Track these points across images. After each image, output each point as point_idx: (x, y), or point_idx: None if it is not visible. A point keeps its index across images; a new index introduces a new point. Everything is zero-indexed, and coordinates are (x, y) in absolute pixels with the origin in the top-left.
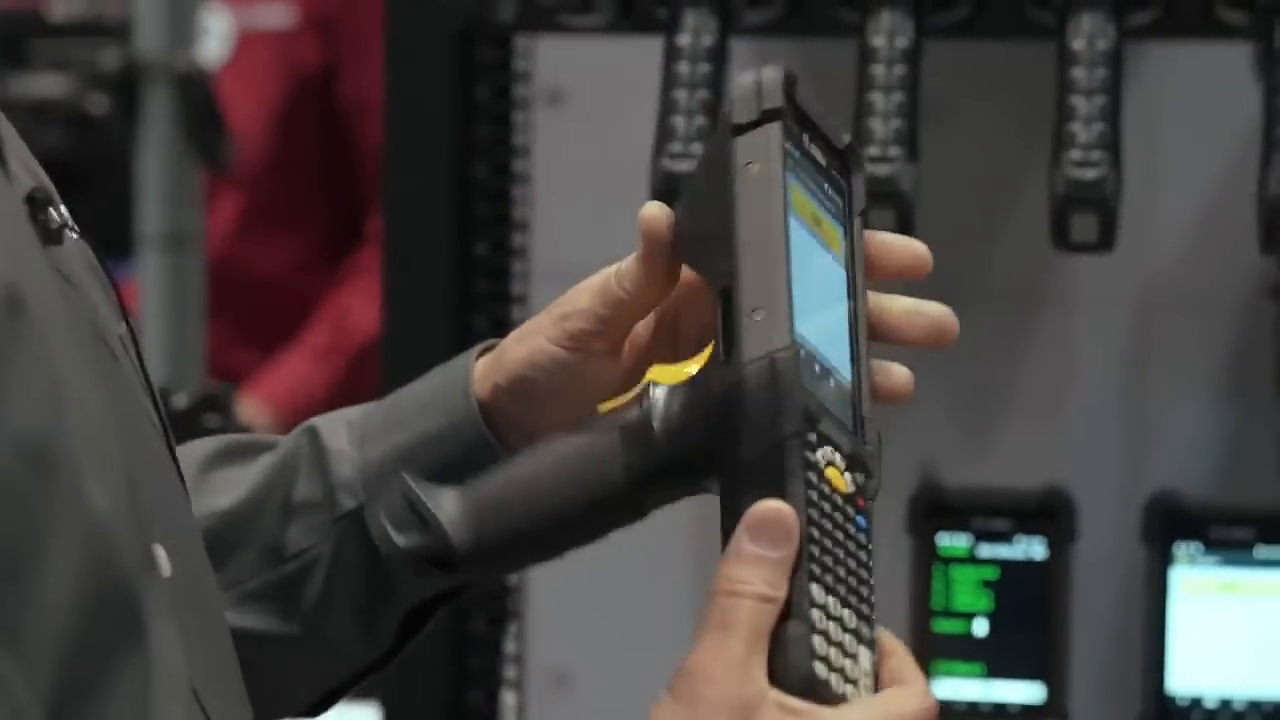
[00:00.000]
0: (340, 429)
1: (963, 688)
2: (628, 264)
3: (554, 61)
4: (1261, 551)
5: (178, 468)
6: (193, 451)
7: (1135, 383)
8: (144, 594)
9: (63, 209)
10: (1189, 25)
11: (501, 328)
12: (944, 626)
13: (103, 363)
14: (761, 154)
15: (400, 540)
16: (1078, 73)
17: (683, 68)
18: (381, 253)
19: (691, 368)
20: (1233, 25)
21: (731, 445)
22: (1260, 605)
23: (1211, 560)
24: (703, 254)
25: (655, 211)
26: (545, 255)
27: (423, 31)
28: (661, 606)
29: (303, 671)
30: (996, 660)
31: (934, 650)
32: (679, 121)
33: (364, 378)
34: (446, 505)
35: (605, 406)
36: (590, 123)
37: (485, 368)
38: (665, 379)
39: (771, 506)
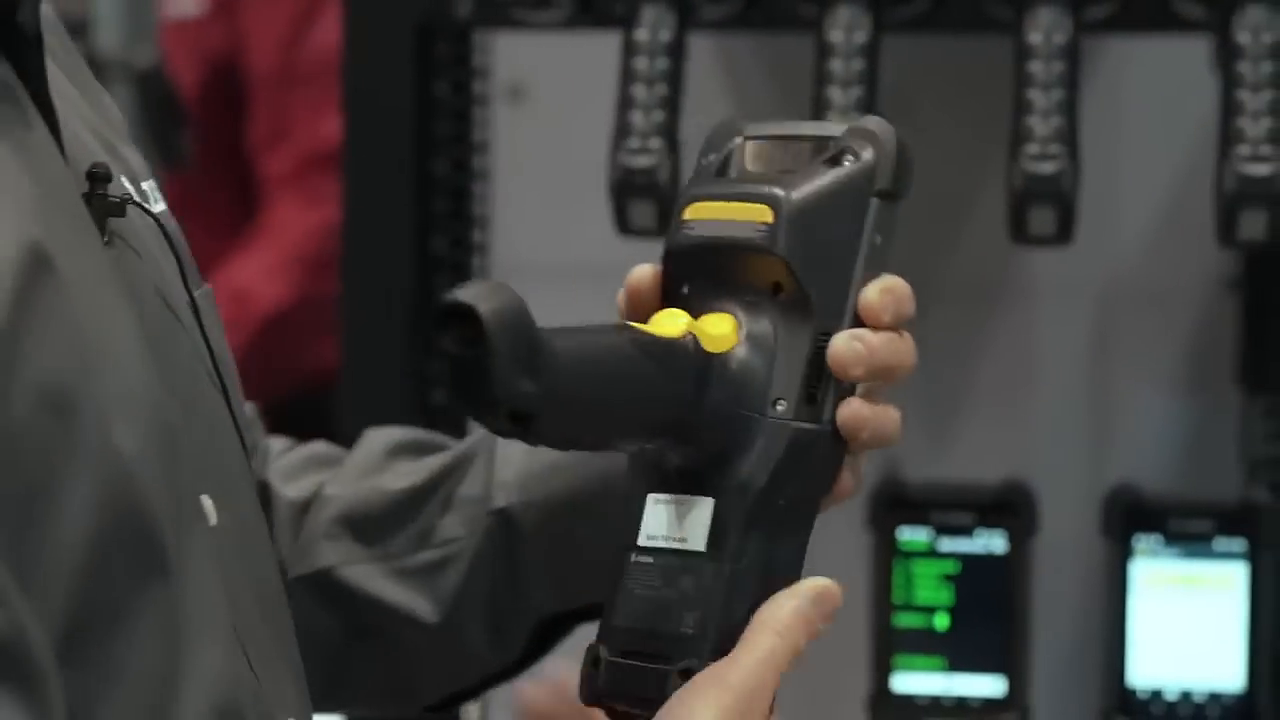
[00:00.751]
0: None
1: (924, 682)
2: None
3: (513, 57)
4: (1221, 544)
5: (238, 426)
6: (381, 437)
7: (1095, 376)
8: (170, 532)
9: (143, 185)
10: (1146, 19)
11: None
12: (905, 621)
13: (162, 324)
14: (886, 233)
15: (522, 385)
16: (1035, 67)
17: (640, 63)
18: (341, 249)
19: (724, 330)
20: (1190, 19)
21: (785, 482)
22: (1219, 597)
23: (1171, 553)
24: (814, 277)
25: (640, 275)
26: (505, 251)
27: (381, 27)
28: None
29: (435, 663)
30: (958, 654)
31: (895, 644)
32: (637, 117)
33: (272, 351)
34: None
35: (641, 326)
36: (550, 118)
37: None
38: (711, 345)
39: (834, 589)
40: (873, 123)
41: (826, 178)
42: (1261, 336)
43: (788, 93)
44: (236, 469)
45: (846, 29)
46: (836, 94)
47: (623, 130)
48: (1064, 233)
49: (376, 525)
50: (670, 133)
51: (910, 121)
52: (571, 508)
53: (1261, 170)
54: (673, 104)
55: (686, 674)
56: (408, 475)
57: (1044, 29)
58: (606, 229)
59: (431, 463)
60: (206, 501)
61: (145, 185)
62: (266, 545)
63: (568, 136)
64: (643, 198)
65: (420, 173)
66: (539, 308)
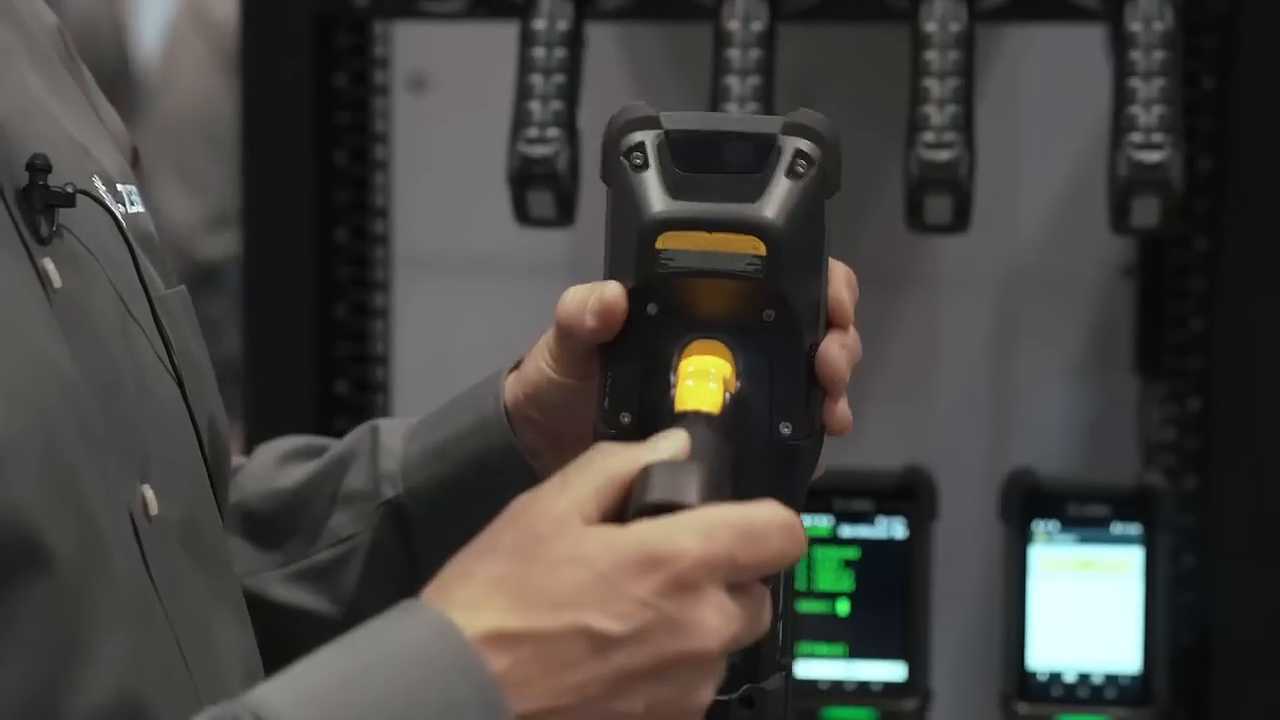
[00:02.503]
0: (399, 428)
1: (826, 668)
2: (549, 340)
3: (412, 47)
4: (1117, 528)
5: (195, 422)
6: (279, 445)
7: (995, 363)
8: (56, 521)
9: (119, 188)
10: (1041, 8)
11: (363, 314)
12: (807, 607)
13: (115, 318)
14: (832, 228)
15: None
16: (931, 55)
17: (538, 53)
18: (242, 241)
19: (726, 372)
20: (1084, 7)
21: (797, 498)
22: (1116, 581)
23: (1069, 537)
24: (800, 296)
25: (614, 297)
26: (406, 241)
27: (279, 17)
28: None
29: None
30: (859, 640)
31: (797, 631)
32: (535, 106)
33: None
34: None
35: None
36: (450, 108)
37: (514, 377)
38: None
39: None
40: (811, 118)
41: (795, 193)
42: (1156, 323)
43: (688, 81)
44: (189, 462)
45: (744, 18)
46: (735, 82)
47: (521, 120)
48: (960, 221)
49: (269, 528)
50: (569, 122)
51: (811, 110)
52: (456, 490)
53: (1154, 157)
54: (571, 93)
55: (748, 701)
56: (294, 475)
57: (939, 18)
58: (507, 219)
59: (316, 462)
60: (148, 492)
61: (122, 188)
62: (220, 538)
63: (468, 127)
64: (541, 187)
65: (321, 164)
66: (441, 298)
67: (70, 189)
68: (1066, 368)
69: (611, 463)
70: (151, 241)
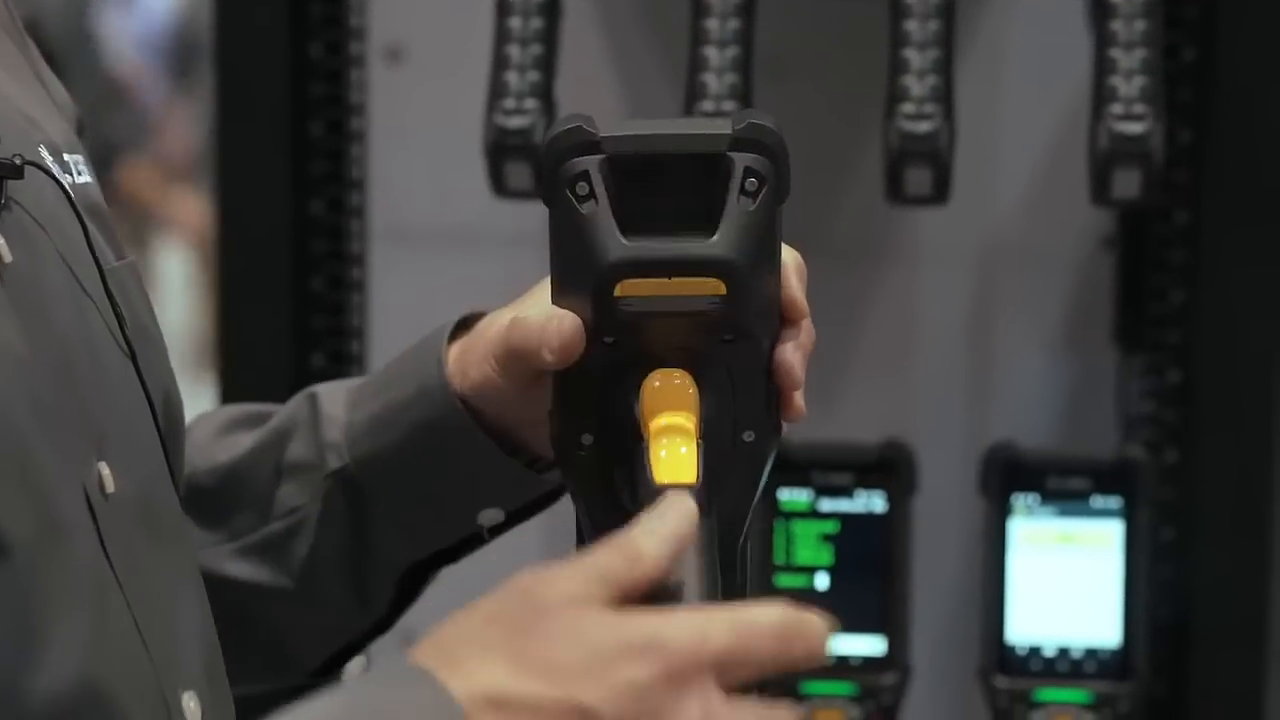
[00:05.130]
0: (339, 395)
1: None
2: (496, 349)
3: (389, 17)
4: (1098, 502)
5: (147, 394)
6: (218, 415)
7: (974, 335)
8: (3, 505)
9: (66, 157)
10: None
11: (339, 287)
12: (786, 581)
13: (64, 291)
14: (780, 231)
15: None
16: (910, 25)
17: (515, 23)
18: (217, 213)
19: (691, 423)
20: None
21: (757, 495)
22: (1097, 555)
23: (1049, 511)
24: (759, 316)
25: (573, 333)
26: (382, 214)
27: None
28: (505, 569)
29: (301, 628)
30: (838, 614)
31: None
32: (511, 77)
33: None
34: None
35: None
36: (426, 79)
37: (457, 367)
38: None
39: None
40: (756, 129)
41: (750, 218)
42: (1137, 295)
43: (665, 51)
44: (144, 438)
45: None
46: (713, 53)
47: (498, 91)
48: (940, 193)
49: (213, 503)
50: (546, 93)
51: (788, 81)
52: (403, 457)
53: (1135, 129)
54: (548, 64)
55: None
56: (235, 448)
57: None
58: (483, 191)
59: (257, 433)
60: (104, 469)
61: (69, 158)
62: (176, 514)
63: (445, 98)
64: (518, 159)
65: (296, 135)
66: (417, 270)
67: (18, 160)
68: (1046, 340)
69: (619, 554)
70: (101, 212)
